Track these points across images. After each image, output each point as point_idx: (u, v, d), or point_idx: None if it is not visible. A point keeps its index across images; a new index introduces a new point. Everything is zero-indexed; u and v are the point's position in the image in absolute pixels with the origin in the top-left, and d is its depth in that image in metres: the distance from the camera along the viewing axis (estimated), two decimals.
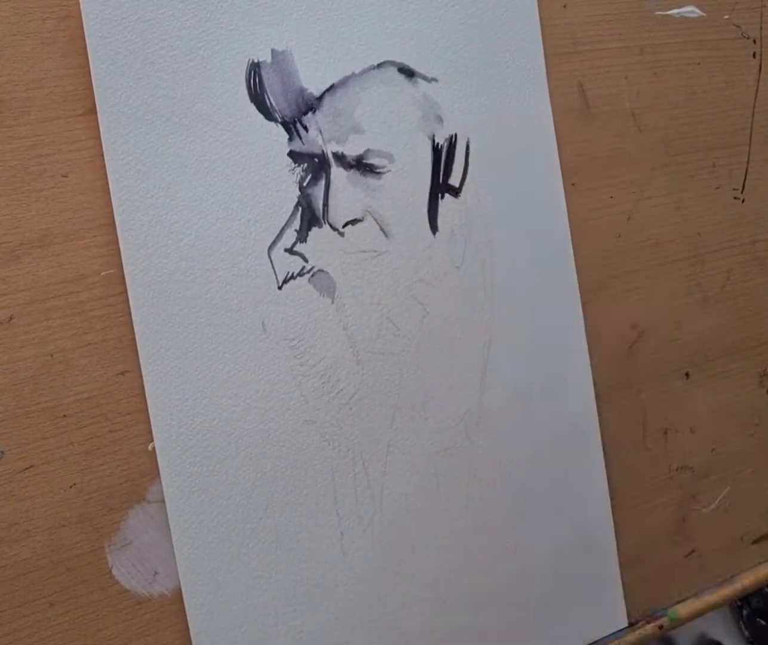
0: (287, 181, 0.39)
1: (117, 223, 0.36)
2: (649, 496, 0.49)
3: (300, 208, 0.39)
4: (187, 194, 0.37)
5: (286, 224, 0.39)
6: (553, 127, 0.45)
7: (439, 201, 0.42)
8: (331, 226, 0.40)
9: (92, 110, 0.36)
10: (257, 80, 0.38)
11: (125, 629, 0.37)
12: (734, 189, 0.52)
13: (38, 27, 0.36)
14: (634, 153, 0.48)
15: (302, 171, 0.39)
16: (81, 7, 0.35)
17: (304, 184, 0.39)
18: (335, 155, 0.40)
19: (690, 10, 0.50)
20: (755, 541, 0.53)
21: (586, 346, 0.46)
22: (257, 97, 0.38)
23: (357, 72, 0.40)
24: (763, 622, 0.65)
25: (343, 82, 0.40)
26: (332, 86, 0.40)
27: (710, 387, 0.51)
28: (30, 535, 0.36)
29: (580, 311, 0.46)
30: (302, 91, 0.39)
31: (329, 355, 0.40)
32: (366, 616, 0.41)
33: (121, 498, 0.37)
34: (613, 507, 0.47)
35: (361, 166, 0.40)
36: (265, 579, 0.39)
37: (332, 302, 0.40)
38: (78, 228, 0.36)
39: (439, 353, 0.42)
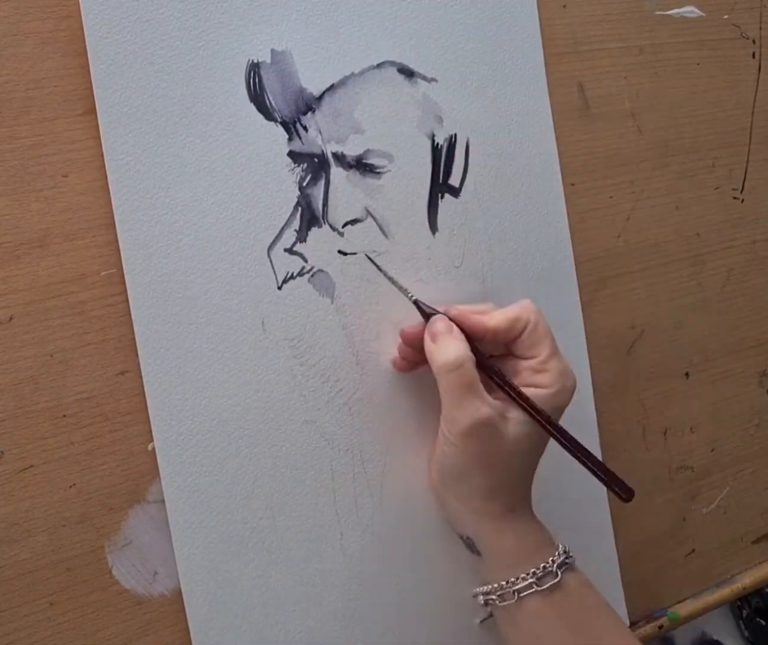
0: (287, 181, 0.39)
1: (117, 223, 0.36)
2: (649, 496, 0.49)
3: (300, 208, 0.39)
4: (186, 194, 0.37)
5: (285, 224, 0.39)
6: (552, 127, 0.45)
7: (439, 201, 0.42)
8: (330, 226, 0.40)
9: (92, 110, 0.36)
10: (257, 80, 0.38)
11: (125, 629, 0.37)
12: (734, 189, 0.52)
13: (38, 27, 0.36)
14: (634, 153, 0.48)
15: (302, 171, 0.39)
16: (81, 7, 0.35)
17: (304, 184, 0.39)
18: (335, 155, 0.40)
19: (690, 10, 0.50)
20: (755, 541, 0.53)
21: (586, 346, 0.46)
22: (257, 97, 0.38)
23: (357, 72, 0.40)
24: (763, 622, 0.65)
25: (343, 82, 0.40)
26: (332, 86, 0.40)
27: (710, 387, 0.51)
28: (30, 535, 0.36)
29: (580, 311, 0.46)
30: (302, 91, 0.39)
31: (329, 355, 0.40)
32: (366, 616, 0.41)
33: (121, 498, 0.37)
34: (612, 507, 0.47)
35: (360, 166, 0.40)
36: (265, 579, 0.39)
37: (332, 302, 0.40)
38: (78, 228, 0.36)
39: None
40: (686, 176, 0.50)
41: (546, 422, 0.36)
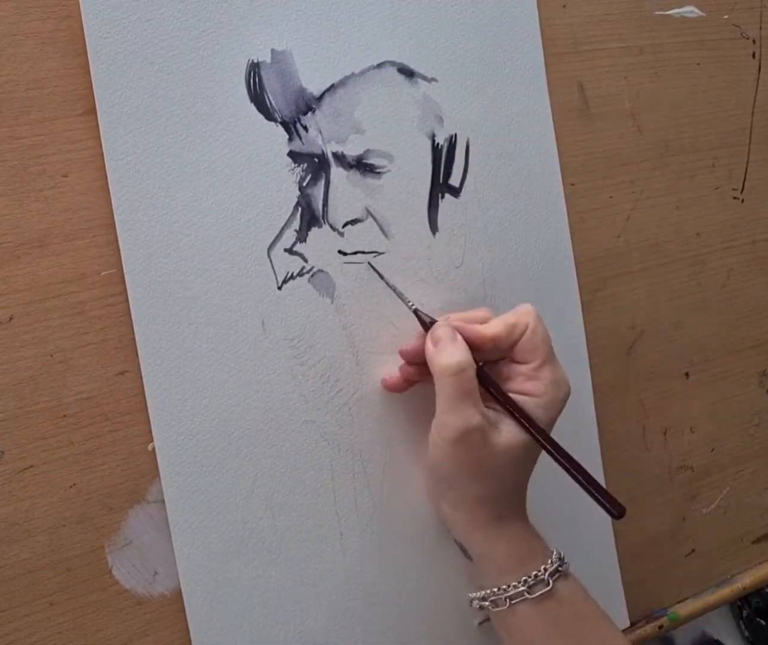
0: (287, 181, 0.39)
1: (117, 223, 0.36)
2: (649, 496, 0.49)
3: (300, 208, 0.39)
4: (186, 194, 0.37)
5: (285, 224, 0.39)
6: (552, 127, 0.45)
7: (439, 201, 0.42)
8: (330, 226, 0.40)
9: (92, 110, 0.36)
10: (257, 80, 0.38)
11: (125, 629, 0.37)
12: (734, 189, 0.52)
13: (38, 27, 0.36)
14: (634, 153, 0.48)
15: (302, 171, 0.39)
16: (81, 7, 0.35)
17: (304, 184, 0.39)
18: (335, 155, 0.40)
19: (690, 10, 0.50)
20: (755, 541, 0.53)
21: (586, 346, 0.46)
22: (257, 97, 0.38)
23: (357, 72, 0.40)
24: (763, 622, 0.65)
25: (343, 82, 0.40)
26: (332, 86, 0.40)
27: (710, 387, 0.51)
28: (30, 535, 0.36)
29: (580, 311, 0.46)
30: (302, 91, 0.39)
31: (329, 355, 0.40)
32: (366, 616, 0.41)
33: (121, 498, 0.37)
34: None
35: (361, 166, 0.40)
36: (265, 579, 0.39)
37: (332, 302, 0.40)
38: (78, 228, 0.36)
39: None
40: (686, 176, 0.50)
41: (538, 435, 0.35)
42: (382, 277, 0.40)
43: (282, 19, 0.39)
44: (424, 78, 0.42)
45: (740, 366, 0.52)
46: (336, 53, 0.40)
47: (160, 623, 0.38)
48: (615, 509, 0.34)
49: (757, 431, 0.52)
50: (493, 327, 0.37)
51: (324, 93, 0.40)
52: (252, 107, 0.38)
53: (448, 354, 0.35)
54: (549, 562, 0.36)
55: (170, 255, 0.37)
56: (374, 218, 0.41)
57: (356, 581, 0.40)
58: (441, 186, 0.42)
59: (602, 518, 0.47)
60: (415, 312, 0.39)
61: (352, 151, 0.40)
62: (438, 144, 0.42)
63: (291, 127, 0.39)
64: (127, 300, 0.36)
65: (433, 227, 0.42)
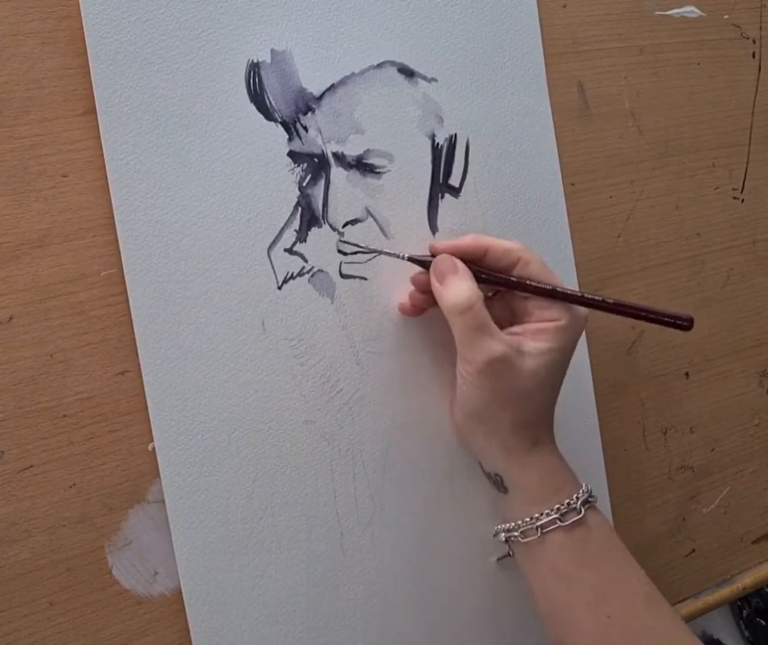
0: (287, 181, 0.39)
1: (117, 223, 0.36)
2: (649, 496, 0.49)
3: (300, 208, 0.39)
4: (186, 194, 0.37)
5: (285, 224, 0.39)
6: (552, 127, 0.45)
7: (439, 201, 0.42)
8: (330, 226, 0.40)
9: (92, 110, 0.36)
10: (257, 80, 0.38)
11: (125, 629, 0.37)
12: (734, 189, 0.52)
13: (38, 27, 0.36)
14: (634, 153, 0.48)
15: (302, 171, 0.39)
16: (81, 7, 0.35)
17: (304, 184, 0.39)
18: (335, 155, 0.40)
19: (690, 10, 0.50)
20: (755, 541, 0.53)
21: (586, 346, 0.46)
22: (257, 97, 0.38)
23: (357, 72, 0.40)
24: (763, 622, 0.65)
25: (343, 82, 0.40)
26: (332, 86, 0.40)
27: (710, 387, 0.51)
28: (30, 535, 0.36)
29: None
30: (302, 91, 0.39)
31: (329, 355, 0.40)
32: (365, 616, 0.41)
33: (121, 498, 0.37)
34: (612, 507, 0.47)
35: (360, 166, 0.40)
36: (265, 579, 0.39)
37: (332, 302, 0.40)
38: (78, 228, 0.36)
39: (439, 353, 0.42)
40: (686, 176, 0.50)
41: (579, 301, 0.36)
42: (362, 247, 0.40)
43: (282, 19, 0.39)
44: (424, 78, 0.42)
45: (740, 366, 0.52)
46: (336, 53, 0.40)
47: (160, 623, 0.38)
48: (684, 322, 0.35)
49: (757, 431, 0.52)
50: (488, 239, 0.37)
51: (324, 93, 0.40)
52: (252, 107, 0.38)
53: (455, 290, 0.36)
54: (580, 491, 0.36)
55: (170, 255, 0.37)
56: (374, 218, 0.41)
57: (356, 581, 0.40)
58: (441, 186, 0.42)
59: None
60: (410, 259, 0.39)
61: (352, 151, 0.40)
62: (438, 144, 0.42)
63: (291, 127, 0.39)
64: (127, 300, 0.36)
65: (433, 227, 0.42)
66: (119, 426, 0.37)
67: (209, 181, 0.38)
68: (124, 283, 0.36)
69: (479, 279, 0.37)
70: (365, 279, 0.41)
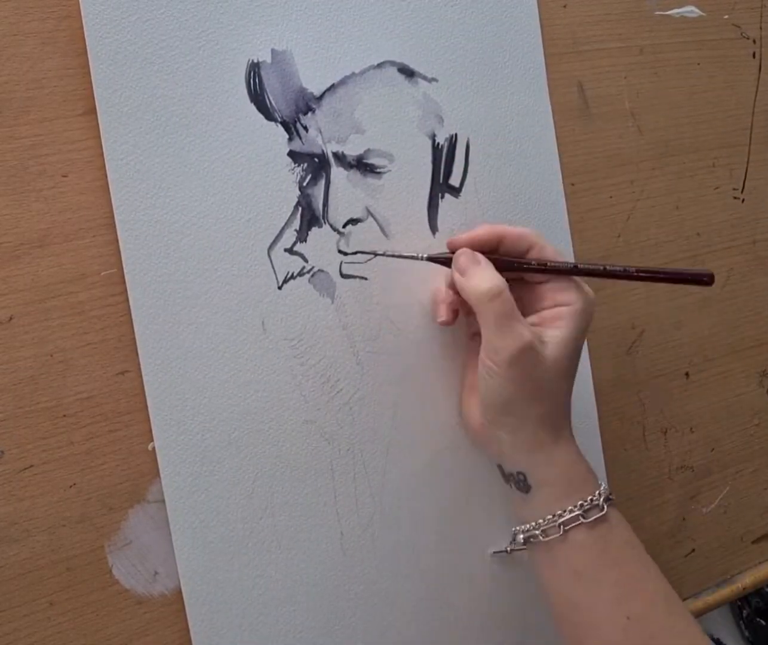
0: (287, 181, 0.39)
1: (117, 223, 0.36)
2: (649, 496, 0.49)
3: (300, 208, 0.39)
4: (186, 194, 0.37)
5: (285, 224, 0.39)
6: (553, 127, 0.45)
7: (439, 201, 0.42)
8: (331, 226, 0.40)
9: (92, 110, 0.36)
10: (257, 80, 0.38)
11: (125, 629, 0.37)
12: (734, 189, 0.52)
13: (38, 27, 0.36)
14: (634, 153, 0.48)
15: (302, 171, 0.39)
16: (81, 7, 0.35)
17: (304, 184, 0.39)
18: (335, 155, 0.40)
19: (690, 10, 0.50)
20: (755, 541, 0.53)
21: (586, 346, 0.46)
22: (257, 97, 0.38)
23: (357, 72, 0.40)
24: (763, 622, 0.65)
25: (343, 82, 0.40)
26: (332, 86, 0.40)
27: (710, 387, 0.51)
28: (30, 535, 0.36)
29: None
30: (302, 90, 0.39)
31: (329, 355, 0.40)
32: (366, 616, 0.41)
33: (121, 498, 0.37)
34: None
35: (361, 165, 0.40)
36: (265, 579, 0.39)
37: (332, 302, 0.40)
38: (78, 228, 0.36)
39: (439, 353, 0.42)
40: (686, 176, 0.50)
41: (602, 274, 0.36)
42: (377, 254, 0.40)
43: (282, 19, 0.39)
44: (424, 78, 0.42)
45: (740, 366, 0.52)
46: (336, 53, 0.40)
47: (160, 623, 0.38)
48: (705, 278, 0.35)
49: (757, 431, 0.52)
50: (501, 226, 0.38)
51: (324, 93, 0.40)
52: (252, 107, 0.38)
53: (480, 279, 0.35)
54: (602, 487, 0.36)
55: (170, 255, 0.37)
56: (374, 218, 0.41)
57: (356, 581, 0.40)
58: (441, 186, 0.42)
59: None
60: (430, 259, 0.39)
61: (352, 150, 0.40)
62: (438, 144, 0.42)
63: (291, 127, 0.39)
64: (127, 300, 0.36)
65: (433, 227, 0.42)
66: (119, 426, 0.37)
67: (209, 181, 0.38)
68: (124, 283, 0.36)
69: (497, 269, 0.36)
70: (365, 279, 0.41)
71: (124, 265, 0.36)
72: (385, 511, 0.41)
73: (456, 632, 0.43)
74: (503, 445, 0.37)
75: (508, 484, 0.38)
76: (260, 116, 0.38)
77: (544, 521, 0.36)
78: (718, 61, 0.51)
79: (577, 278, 0.37)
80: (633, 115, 0.48)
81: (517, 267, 0.37)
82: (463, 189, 0.43)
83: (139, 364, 0.37)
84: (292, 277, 0.39)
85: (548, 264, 0.37)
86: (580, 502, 0.35)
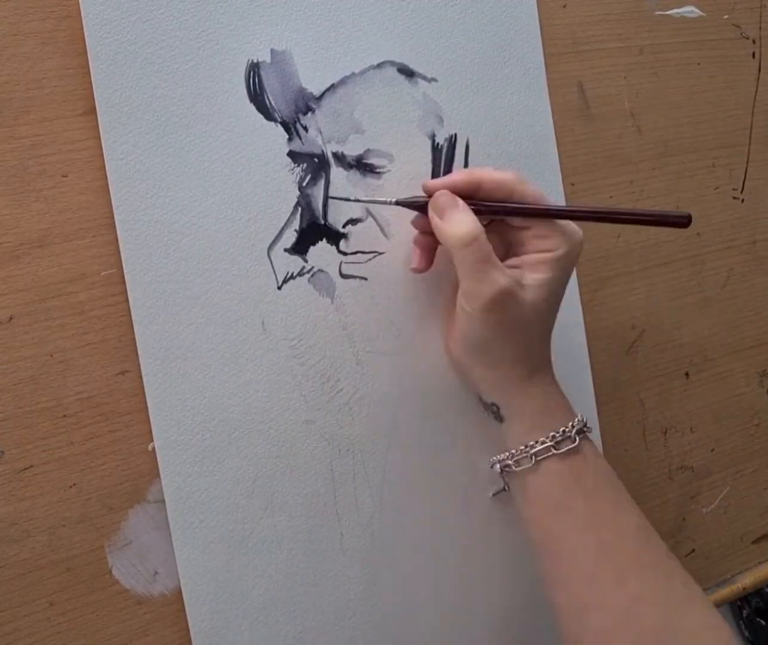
0: (287, 181, 0.39)
1: (117, 223, 0.36)
2: (649, 496, 0.49)
3: (300, 208, 0.39)
4: (186, 194, 0.37)
5: (285, 224, 0.39)
6: (552, 127, 0.45)
7: None
8: (330, 226, 0.40)
9: (92, 110, 0.36)
10: (257, 80, 0.38)
11: (125, 629, 0.37)
12: (734, 189, 0.52)
13: (38, 27, 0.36)
14: (634, 153, 0.48)
15: (302, 171, 0.39)
16: (81, 7, 0.35)
17: (304, 184, 0.39)
18: (335, 155, 0.40)
19: (689, 10, 0.50)
20: (755, 541, 0.53)
21: (586, 346, 0.46)
22: (257, 97, 0.38)
23: (357, 72, 0.40)
24: (763, 622, 0.65)
25: (343, 82, 0.40)
26: (332, 86, 0.40)
27: (710, 387, 0.51)
28: (30, 535, 0.36)
29: (580, 311, 0.46)
30: (302, 91, 0.39)
31: (329, 355, 0.40)
32: (366, 616, 0.41)
33: (121, 498, 0.37)
34: None
35: (360, 166, 0.40)
36: (265, 579, 0.39)
37: (332, 302, 0.40)
38: (78, 228, 0.36)
39: (439, 353, 0.42)
40: (686, 176, 0.50)
41: (574, 215, 0.37)
42: (349, 199, 0.40)
43: (282, 19, 0.39)
44: (424, 78, 0.42)
45: (740, 366, 0.52)
46: (336, 53, 0.40)
47: (160, 623, 0.38)
48: (683, 219, 0.35)
49: (757, 431, 0.52)
50: (480, 170, 0.37)
51: (324, 93, 0.40)
52: (252, 107, 0.38)
53: (457, 223, 0.35)
54: (576, 420, 0.37)
55: (170, 255, 0.37)
56: (374, 218, 0.41)
57: (356, 581, 0.40)
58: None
59: None
60: (398, 203, 0.38)
61: (352, 151, 0.40)
62: (438, 144, 0.42)
63: (291, 127, 0.39)
64: (127, 300, 0.36)
65: None
66: (119, 426, 0.37)
67: (209, 181, 0.38)
68: (124, 283, 0.36)
69: (476, 212, 0.36)
70: (365, 279, 0.41)
71: (124, 265, 0.36)
72: (385, 511, 0.41)
73: (457, 632, 0.43)
74: (479, 377, 0.38)
75: (486, 412, 0.39)
76: (260, 116, 0.38)
77: (517, 452, 0.37)
78: (718, 61, 0.51)
79: (561, 221, 0.37)
80: (633, 115, 0.48)
81: (492, 210, 0.37)
82: None
83: (139, 364, 0.37)
84: (292, 277, 0.39)
85: (523, 206, 0.36)
86: (552, 434, 0.36)
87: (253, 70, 0.38)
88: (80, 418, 0.36)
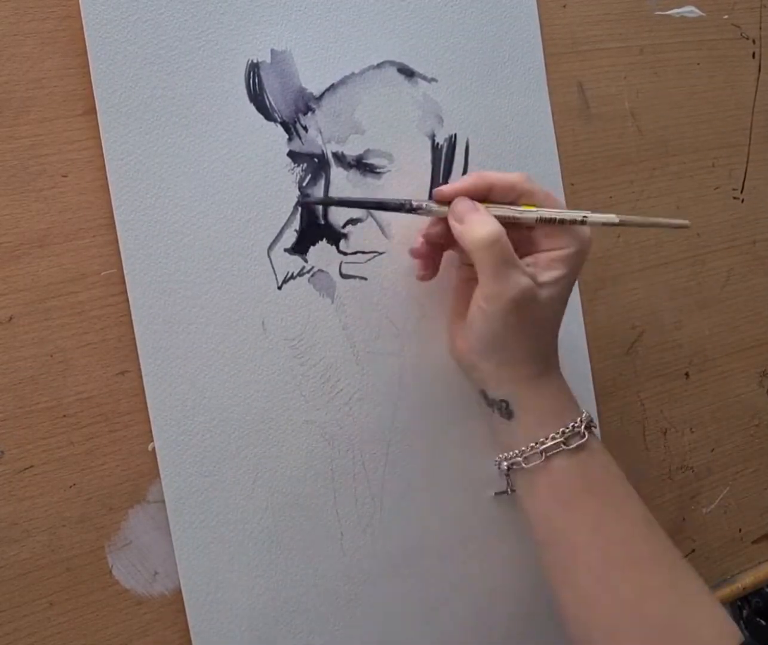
0: (287, 181, 0.39)
1: (117, 223, 0.36)
2: (649, 496, 0.49)
3: (300, 208, 0.39)
4: (186, 194, 0.37)
5: (285, 224, 0.39)
6: (552, 127, 0.45)
7: None
8: (331, 226, 0.40)
9: (92, 110, 0.36)
10: (257, 80, 0.38)
11: (125, 629, 0.37)
12: (734, 189, 0.52)
13: (38, 27, 0.36)
14: (634, 153, 0.48)
15: (302, 171, 0.39)
16: (81, 7, 0.35)
17: (304, 184, 0.39)
18: (335, 155, 0.40)
19: (690, 10, 0.50)
20: (755, 541, 0.53)
21: (586, 346, 0.46)
22: (257, 97, 0.38)
23: (357, 72, 0.40)
24: (763, 622, 0.65)
25: (343, 82, 0.40)
26: (332, 86, 0.40)
27: (710, 387, 0.51)
28: (30, 535, 0.36)
29: (580, 311, 0.46)
30: (302, 91, 0.39)
31: (329, 355, 0.40)
32: (366, 617, 0.41)
33: (121, 498, 0.37)
34: None
35: (361, 166, 0.40)
36: (265, 579, 0.39)
37: (332, 302, 0.40)
38: (78, 228, 0.36)
39: (439, 353, 0.42)
40: (686, 176, 0.50)
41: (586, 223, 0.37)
42: (359, 201, 0.39)
43: (282, 19, 0.39)
44: (424, 78, 0.42)
45: (740, 366, 0.52)
46: (336, 53, 0.40)
47: (160, 623, 0.38)
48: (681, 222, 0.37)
49: (757, 431, 0.52)
50: (492, 174, 0.37)
51: (324, 93, 0.40)
52: (252, 107, 0.38)
53: (479, 225, 0.35)
54: (583, 414, 0.37)
55: (170, 255, 0.37)
56: (374, 218, 0.41)
57: (356, 581, 0.40)
58: (441, 186, 0.42)
59: None
60: (411, 210, 0.37)
61: (352, 151, 0.40)
62: (438, 144, 0.42)
63: (291, 127, 0.39)
64: (127, 300, 0.36)
65: None
66: (119, 426, 0.37)
67: (209, 181, 0.38)
68: (124, 283, 0.36)
69: None
70: (365, 279, 0.41)
71: (124, 265, 0.36)
72: (385, 511, 0.41)
73: (457, 632, 0.43)
74: (488, 374, 0.38)
75: (491, 409, 0.38)
76: (260, 116, 0.38)
77: (527, 448, 0.36)
78: (718, 61, 0.51)
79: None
80: (633, 115, 0.48)
81: (505, 216, 0.37)
82: None
83: (139, 364, 0.37)
84: (292, 277, 0.39)
85: (537, 212, 0.36)
86: (561, 429, 0.36)
87: (253, 70, 0.38)
88: (80, 418, 0.36)
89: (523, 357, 0.36)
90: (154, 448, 0.37)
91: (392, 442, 0.41)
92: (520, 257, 0.37)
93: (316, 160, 0.39)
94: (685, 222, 0.39)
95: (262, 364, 0.39)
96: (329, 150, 0.40)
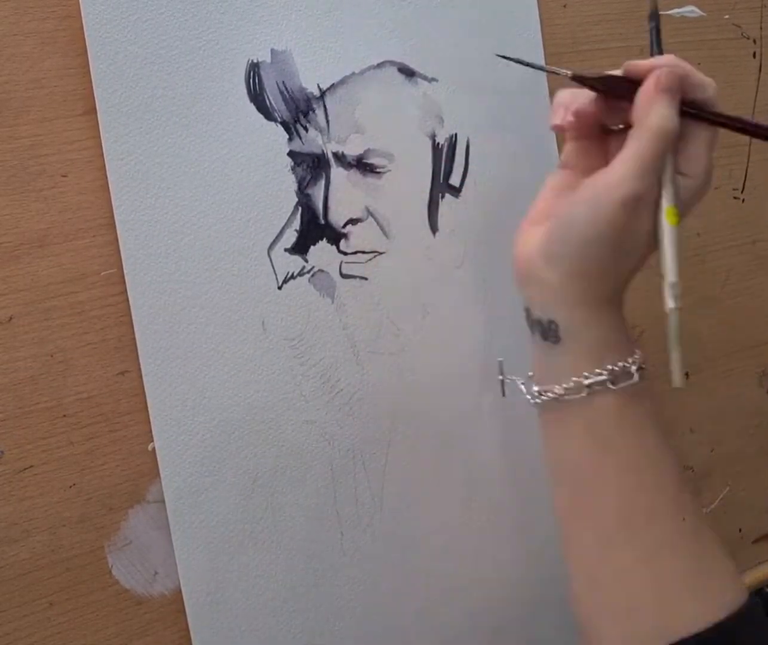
0: (287, 181, 0.39)
1: (117, 223, 0.36)
2: None
3: (300, 208, 0.39)
4: (186, 194, 0.37)
5: (286, 224, 0.39)
6: None
7: (440, 201, 0.42)
8: (331, 226, 0.40)
9: (92, 110, 0.36)
10: (257, 80, 0.38)
11: (125, 629, 0.37)
12: (734, 189, 0.52)
13: (38, 27, 0.36)
14: None
15: (302, 171, 0.39)
16: (81, 7, 0.35)
17: (304, 184, 0.39)
18: (335, 155, 0.40)
19: (690, 10, 0.50)
20: (755, 541, 0.53)
21: None
22: (257, 97, 0.38)
23: (357, 72, 0.40)
24: None
25: (343, 82, 0.40)
26: (332, 86, 0.40)
27: (710, 387, 0.51)
28: (30, 535, 0.36)
29: None
30: (302, 90, 0.39)
31: (329, 355, 0.40)
32: (366, 616, 0.41)
33: (121, 498, 0.37)
34: None
35: (361, 165, 0.40)
36: (265, 579, 0.39)
37: (332, 302, 0.40)
38: (78, 228, 0.36)
39: (439, 353, 0.42)
40: None
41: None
42: (528, 63, 0.37)
43: (282, 19, 0.39)
44: (424, 78, 0.42)
45: (740, 366, 0.52)
46: (336, 53, 0.40)
47: (160, 623, 0.38)
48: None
49: (757, 431, 0.52)
50: (696, 74, 0.36)
51: (324, 93, 0.40)
52: (252, 107, 0.38)
53: (667, 113, 0.33)
54: (636, 355, 0.34)
55: (170, 255, 0.37)
56: (374, 218, 0.41)
57: (356, 581, 0.40)
58: (441, 185, 0.42)
59: None
60: (575, 78, 0.36)
61: (352, 150, 0.40)
62: (438, 144, 0.42)
63: (291, 127, 0.39)
64: (127, 300, 0.36)
65: (434, 227, 0.42)
66: (119, 426, 0.37)
67: (209, 181, 0.38)
68: (124, 283, 0.36)
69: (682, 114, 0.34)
70: (365, 279, 0.41)
71: (124, 265, 0.36)
72: (385, 511, 0.41)
73: (457, 632, 0.43)
74: (546, 288, 0.33)
75: (532, 331, 0.35)
76: (260, 116, 0.38)
77: (569, 382, 0.33)
78: (718, 61, 0.51)
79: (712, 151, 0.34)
80: None
81: (706, 118, 0.34)
82: (464, 189, 0.43)
83: (139, 364, 0.37)
84: (292, 277, 0.39)
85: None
86: (610, 367, 0.33)
87: (253, 70, 0.38)
88: (80, 418, 0.36)
89: (598, 271, 0.33)
90: (154, 448, 0.37)
91: (392, 442, 0.41)
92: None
93: (316, 160, 0.39)
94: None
95: (262, 364, 0.39)
96: (329, 150, 0.40)
